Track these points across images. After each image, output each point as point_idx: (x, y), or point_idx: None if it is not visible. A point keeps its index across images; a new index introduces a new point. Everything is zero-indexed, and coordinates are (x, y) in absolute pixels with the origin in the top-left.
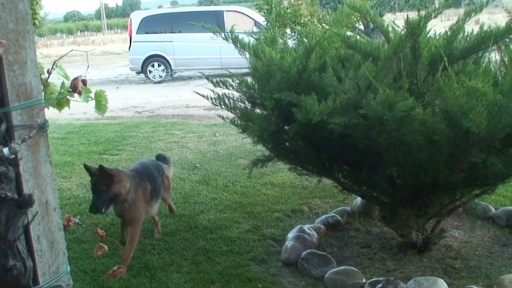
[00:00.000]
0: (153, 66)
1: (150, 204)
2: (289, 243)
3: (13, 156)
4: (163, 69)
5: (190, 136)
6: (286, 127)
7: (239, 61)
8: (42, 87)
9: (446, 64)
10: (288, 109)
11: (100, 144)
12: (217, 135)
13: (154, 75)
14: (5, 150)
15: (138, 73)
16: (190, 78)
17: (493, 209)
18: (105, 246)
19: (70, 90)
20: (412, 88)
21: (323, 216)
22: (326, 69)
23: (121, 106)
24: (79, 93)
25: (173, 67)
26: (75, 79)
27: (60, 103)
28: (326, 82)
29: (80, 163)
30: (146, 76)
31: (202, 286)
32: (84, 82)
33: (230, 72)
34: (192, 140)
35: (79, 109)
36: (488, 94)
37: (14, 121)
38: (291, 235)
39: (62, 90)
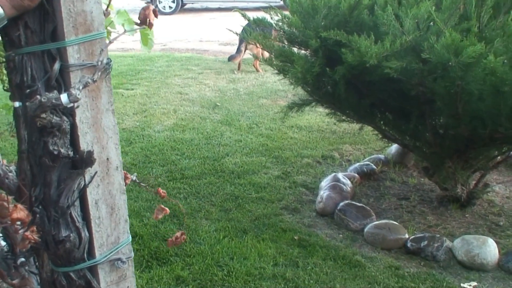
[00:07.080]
0: None
1: None
2: (324, 192)
3: (72, 105)
4: (173, 0)
5: (207, 72)
6: (327, 69)
7: None
8: (103, 17)
9: None
10: (334, 50)
11: (113, 77)
12: (235, 72)
13: (164, 6)
14: (63, 98)
15: (147, 3)
16: (201, 10)
17: None
18: (167, 208)
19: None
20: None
21: (357, 164)
22: (376, 8)
23: (131, 37)
24: (150, 26)
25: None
26: (145, 8)
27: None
28: (382, 21)
29: None
30: (155, 7)
31: (234, 235)
32: (155, 12)
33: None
34: (210, 76)
35: None
36: None
37: (70, 59)
38: (325, 183)
39: (123, 22)
